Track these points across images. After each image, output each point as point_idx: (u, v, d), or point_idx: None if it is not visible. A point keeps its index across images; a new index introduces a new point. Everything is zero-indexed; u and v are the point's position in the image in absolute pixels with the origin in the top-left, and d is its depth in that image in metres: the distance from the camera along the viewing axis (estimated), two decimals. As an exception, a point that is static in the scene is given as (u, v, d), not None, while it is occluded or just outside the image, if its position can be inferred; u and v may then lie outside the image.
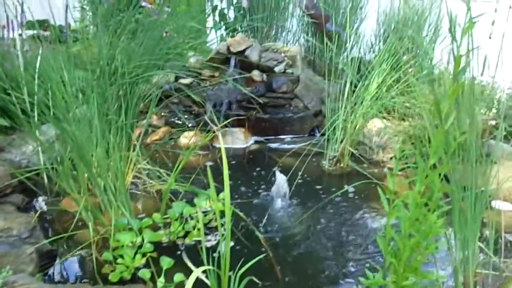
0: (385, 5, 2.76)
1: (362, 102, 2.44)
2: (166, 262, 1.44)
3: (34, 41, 3.14)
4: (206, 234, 1.73)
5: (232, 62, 2.90)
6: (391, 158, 2.45)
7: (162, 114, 2.89)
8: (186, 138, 2.70)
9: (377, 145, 2.47)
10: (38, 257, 1.41)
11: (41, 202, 1.87)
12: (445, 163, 1.22)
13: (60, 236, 1.59)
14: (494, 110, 2.43)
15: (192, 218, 1.76)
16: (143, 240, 1.55)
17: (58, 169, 1.59)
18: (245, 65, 2.93)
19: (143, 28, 2.33)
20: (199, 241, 1.66)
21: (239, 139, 2.66)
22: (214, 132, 2.73)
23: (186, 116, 2.83)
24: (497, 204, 1.91)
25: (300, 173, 2.23)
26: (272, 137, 2.76)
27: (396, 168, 1.23)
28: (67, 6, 2.94)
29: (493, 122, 1.99)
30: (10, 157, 2.02)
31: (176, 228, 1.65)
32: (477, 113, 2.06)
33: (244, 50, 2.91)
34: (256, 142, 2.73)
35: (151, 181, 2.00)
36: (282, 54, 3.01)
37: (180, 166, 1.75)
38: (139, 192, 1.99)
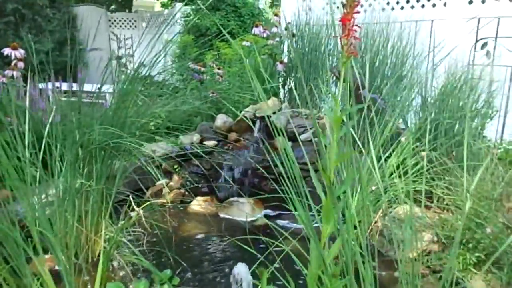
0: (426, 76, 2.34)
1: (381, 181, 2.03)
2: None
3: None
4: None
5: (257, 126, 2.75)
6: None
7: (183, 175, 2.84)
8: (197, 205, 2.58)
9: (398, 238, 1.99)
10: None
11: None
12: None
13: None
14: None
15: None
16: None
17: None
18: (271, 130, 2.74)
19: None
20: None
21: (245, 212, 2.43)
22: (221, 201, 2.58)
23: (202, 180, 2.72)
24: None
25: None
26: (285, 212, 2.46)
27: None
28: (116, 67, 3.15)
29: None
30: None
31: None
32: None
33: (271, 114, 2.74)
34: (265, 215, 2.46)
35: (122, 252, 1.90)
36: (311, 121, 2.75)
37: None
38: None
